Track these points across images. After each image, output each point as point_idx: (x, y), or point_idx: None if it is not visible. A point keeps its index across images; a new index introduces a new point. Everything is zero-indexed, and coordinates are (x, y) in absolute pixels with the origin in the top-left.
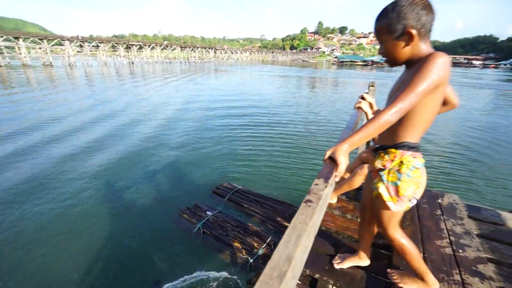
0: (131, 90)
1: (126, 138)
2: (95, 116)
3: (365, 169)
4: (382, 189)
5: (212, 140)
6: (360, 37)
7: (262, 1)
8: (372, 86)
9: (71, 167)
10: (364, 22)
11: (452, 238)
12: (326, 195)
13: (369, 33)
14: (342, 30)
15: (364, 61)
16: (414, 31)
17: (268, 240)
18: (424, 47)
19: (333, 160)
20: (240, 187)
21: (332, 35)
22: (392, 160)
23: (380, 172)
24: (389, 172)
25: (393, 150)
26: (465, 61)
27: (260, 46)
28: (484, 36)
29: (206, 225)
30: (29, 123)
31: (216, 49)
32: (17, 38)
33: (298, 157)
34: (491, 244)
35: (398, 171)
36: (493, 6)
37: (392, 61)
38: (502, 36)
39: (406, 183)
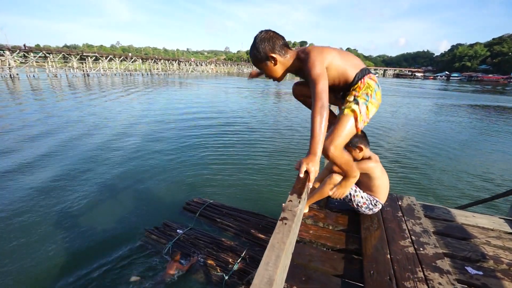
0: (88, 104)
1: (82, 153)
2: (53, 132)
3: (334, 178)
4: (355, 107)
5: (180, 153)
6: None
7: (223, 13)
8: None
9: (16, 184)
10: (321, 36)
11: (413, 237)
12: (300, 210)
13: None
14: (302, 43)
15: None
16: (274, 55)
17: (243, 254)
18: (290, 54)
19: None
20: (211, 201)
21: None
22: (360, 88)
23: (354, 96)
24: (360, 96)
25: (354, 86)
26: (410, 73)
27: (225, 59)
28: (423, 52)
29: (177, 245)
30: None
31: (180, 61)
32: None
33: (268, 166)
34: (445, 239)
35: (367, 94)
36: (428, 26)
37: (275, 78)
38: (437, 51)
39: (372, 105)
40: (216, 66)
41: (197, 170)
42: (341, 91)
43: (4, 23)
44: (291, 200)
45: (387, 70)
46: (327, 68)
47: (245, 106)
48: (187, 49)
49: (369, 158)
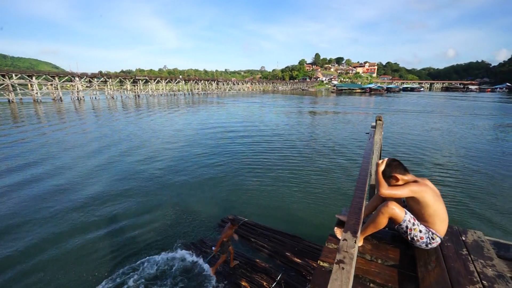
0: (137, 122)
1: (128, 167)
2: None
3: (389, 207)
4: None
5: (216, 170)
6: (356, 66)
7: (260, 35)
8: (380, 120)
9: (61, 199)
10: (358, 52)
11: (484, 282)
12: (356, 251)
13: (365, 62)
14: (339, 60)
15: (362, 88)
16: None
17: (278, 278)
18: None
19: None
20: (246, 219)
21: (329, 65)
22: None
23: None
24: None
25: None
26: (461, 86)
27: (260, 77)
28: (477, 62)
29: (212, 262)
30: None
31: (219, 81)
32: (30, 76)
33: (303, 184)
34: None
35: None
36: (482, 34)
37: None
38: (494, 61)
39: None
40: (252, 84)
41: (232, 186)
42: None
43: (76, 53)
44: (345, 239)
45: (433, 83)
46: None
47: (280, 123)
48: (225, 69)
49: (414, 182)
